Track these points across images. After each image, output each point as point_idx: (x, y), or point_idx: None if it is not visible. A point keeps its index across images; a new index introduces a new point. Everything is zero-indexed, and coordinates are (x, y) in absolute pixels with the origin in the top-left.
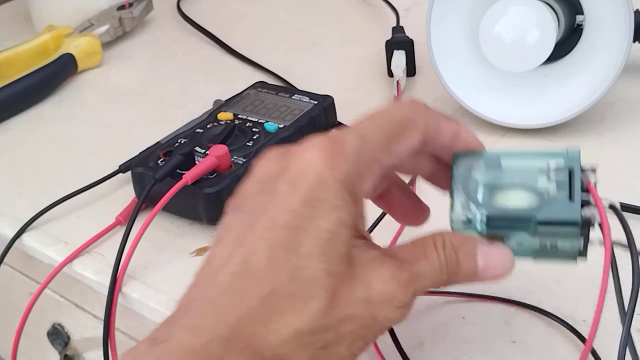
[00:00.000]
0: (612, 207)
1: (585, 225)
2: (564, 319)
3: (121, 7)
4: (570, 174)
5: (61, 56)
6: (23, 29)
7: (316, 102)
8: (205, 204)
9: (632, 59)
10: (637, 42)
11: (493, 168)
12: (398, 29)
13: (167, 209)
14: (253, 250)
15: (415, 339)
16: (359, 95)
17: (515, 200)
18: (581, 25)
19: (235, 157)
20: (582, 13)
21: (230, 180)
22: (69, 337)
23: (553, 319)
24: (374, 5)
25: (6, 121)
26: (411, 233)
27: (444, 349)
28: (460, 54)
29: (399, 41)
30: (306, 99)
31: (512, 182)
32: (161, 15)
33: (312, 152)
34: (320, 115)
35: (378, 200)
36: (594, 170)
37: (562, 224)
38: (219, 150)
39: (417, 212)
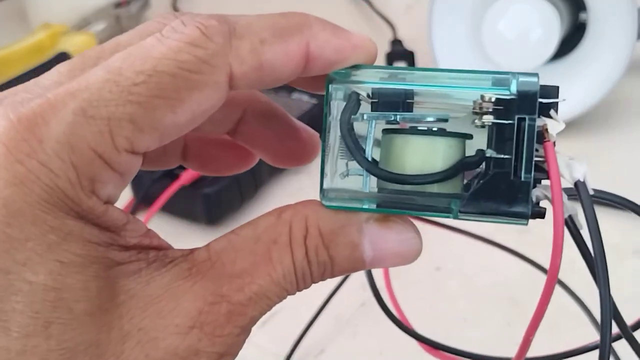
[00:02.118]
0: (576, 186)
1: (536, 216)
2: None
3: (118, 5)
4: (519, 127)
5: (57, 55)
6: (18, 27)
7: (316, 102)
8: (204, 204)
9: (638, 56)
10: None
11: (395, 95)
12: (396, 42)
13: (165, 209)
14: None
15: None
16: None
17: (427, 157)
18: (585, 22)
19: None
20: (585, 10)
21: (229, 181)
22: None
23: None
24: (370, 17)
25: None
26: None
27: None
28: (462, 52)
29: (400, 53)
30: (306, 97)
31: (424, 123)
32: (158, 14)
33: None
34: (320, 115)
35: (231, 137)
36: (551, 115)
37: (499, 215)
38: None
39: (295, 144)
